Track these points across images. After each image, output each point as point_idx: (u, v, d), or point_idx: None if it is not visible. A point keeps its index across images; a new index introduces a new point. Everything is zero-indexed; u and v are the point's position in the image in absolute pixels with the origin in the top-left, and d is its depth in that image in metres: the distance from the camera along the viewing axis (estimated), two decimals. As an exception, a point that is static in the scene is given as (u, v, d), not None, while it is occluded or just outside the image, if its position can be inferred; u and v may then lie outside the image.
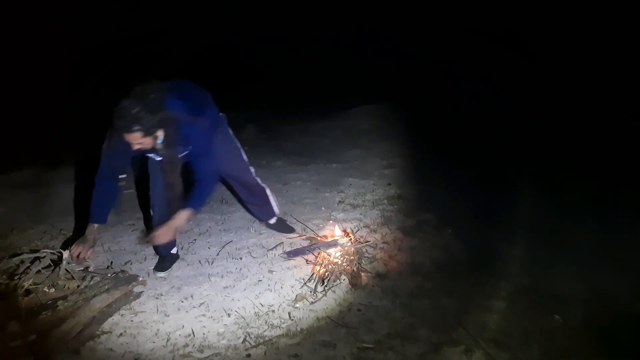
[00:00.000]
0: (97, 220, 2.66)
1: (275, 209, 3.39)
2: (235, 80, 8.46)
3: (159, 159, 2.65)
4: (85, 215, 2.70)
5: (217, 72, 8.66)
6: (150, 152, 2.62)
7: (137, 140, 2.37)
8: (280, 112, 7.01)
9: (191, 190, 2.62)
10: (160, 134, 2.45)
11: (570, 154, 4.99)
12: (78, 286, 2.50)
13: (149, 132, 2.37)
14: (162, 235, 2.58)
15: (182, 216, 2.58)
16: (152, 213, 2.86)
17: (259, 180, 3.23)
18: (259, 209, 3.43)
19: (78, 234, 3.49)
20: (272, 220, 3.43)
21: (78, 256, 2.58)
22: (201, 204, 2.69)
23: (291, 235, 3.40)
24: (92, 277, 2.59)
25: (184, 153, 2.60)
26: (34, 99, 7.13)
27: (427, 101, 6.99)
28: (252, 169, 3.18)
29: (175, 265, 3.06)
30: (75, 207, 3.93)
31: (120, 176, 2.64)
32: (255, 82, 8.55)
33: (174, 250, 3.11)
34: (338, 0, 9.78)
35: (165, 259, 3.04)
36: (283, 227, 3.46)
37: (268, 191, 3.31)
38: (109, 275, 2.65)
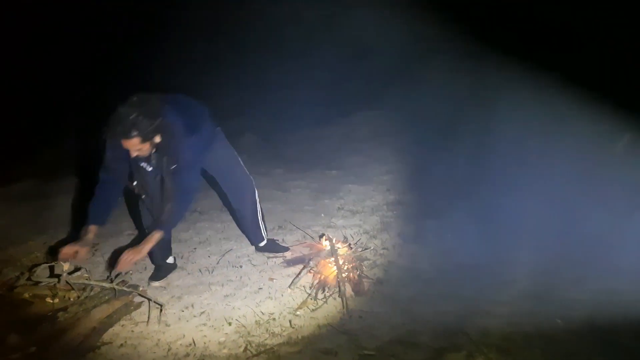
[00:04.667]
0: (97, 221, 2.54)
1: (263, 234, 3.25)
2: (234, 87, 8.49)
3: (150, 169, 2.62)
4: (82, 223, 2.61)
5: (217, 79, 8.70)
6: (145, 162, 2.59)
7: (136, 146, 2.35)
8: (279, 120, 7.04)
9: (165, 208, 2.55)
10: (157, 139, 2.43)
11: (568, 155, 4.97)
12: (78, 297, 2.50)
13: (146, 137, 2.35)
14: (129, 259, 2.46)
15: (152, 239, 2.52)
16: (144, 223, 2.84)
17: (256, 195, 3.12)
18: (248, 229, 3.30)
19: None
20: (262, 243, 3.28)
21: (73, 255, 2.45)
22: (171, 227, 2.64)
23: (287, 252, 3.29)
24: (92, 288, 2.59)
25: (173, 167, 2.53)
26: (32, 110, 7.14)
27: (425, 107, 7.01)
28: (253, 183, 3.09)
29: (175, 275, 3.06)
30: (75, 218, 3.92)
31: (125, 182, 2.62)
32: (254, 89, 8.59)
33: (170, 260, 3.10)
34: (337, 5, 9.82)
35: (161, 269, 3.03)
36: (274, 247, 3.30)
37: (260, 214, 3.18)
38: (109, 285, 2.65)
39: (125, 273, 3.03)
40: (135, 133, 2.30)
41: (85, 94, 7.64)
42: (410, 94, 7.47)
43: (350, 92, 8.18)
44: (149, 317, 2.58)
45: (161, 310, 2.62)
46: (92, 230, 2.54)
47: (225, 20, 9.93)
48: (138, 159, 2.54)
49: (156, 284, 2.95)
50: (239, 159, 3.04)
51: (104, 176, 2.57)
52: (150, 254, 3.06)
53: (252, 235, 3.29)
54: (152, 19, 9.70)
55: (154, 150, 2.49)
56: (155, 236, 2.52)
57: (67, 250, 2.46)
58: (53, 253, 2.55)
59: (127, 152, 2.40)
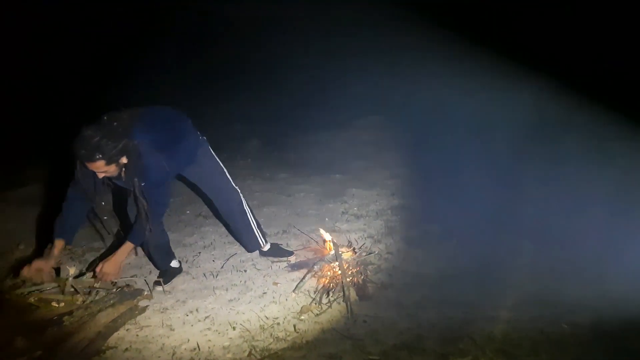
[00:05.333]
0: (66, 237, 2.59)
1: (260, 241, 3.21)
2: (238, 91, 8.52)
3: (122, 184, 2.62)
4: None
5: (221, 83, 8.75)
6: (117, 180, 2.58)
7: (101, 169, 2.35)
8: (283, 125, 7.05)
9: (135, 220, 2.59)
10: (124, 161, 2.41)
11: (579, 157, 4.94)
12: (83, 301, 2.51)
13: (111, 160, 2.34)
14: (107, 270, 2.54)
15: (124, 250, 2.57)
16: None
17: (244, 205, 3.09)
18: (241, 238, 3.30)
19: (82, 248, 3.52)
20: (265, 248, 3.27)
21: (36, 273, 2.51)
22: (142, 238, 2.63)
23: (291, 257, 3.28)
24: (97, 292, 2.60)
25: (143, 184, 2.53)
26: (37, 113, 7.17)
27: (430, 112, 7.00)
28: (240, 193, 3.07)
29: (179, 279, 3.06)
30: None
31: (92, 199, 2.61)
32: (258, 93, 8.62)
33: (174, 264, 3.11)
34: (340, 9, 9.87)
35: (166, 273, 3.04)
36: (278, 252, 3.29)
37: (253, 222, 3.15)
38: (114, 289, 2.65)
39: (130, 277, 3.05)
40: (99, 156, 2.29)
41: (90, 96, 7.68)
42: (414, 98, 7.48)
43: (354, 97, 8.19)
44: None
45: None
46: (57, 245, 2.57)
47: (228, 23, 9.99)
48: (110, 178, 2.54)
49: (160, 288, 2.95)
50: (224, 169, 3.01)
51: (73, 192, 2.57)
52: (152, 260, 3.09)
53: (248, 243, 3.27)
54: (155, 21, 9.77)
55: (122, 170, 2.48)
56: (127, 246, 2.58)
57: (29, 268, 2.51)
58: (16, 274, 2.57)
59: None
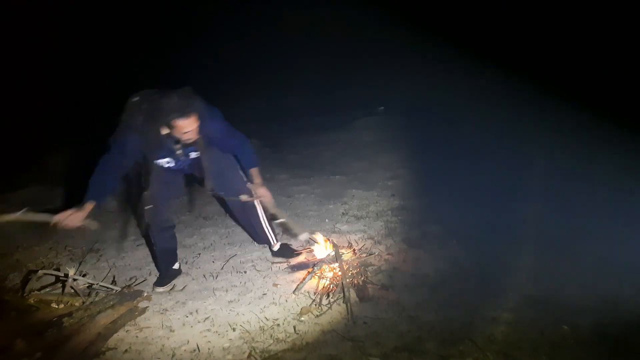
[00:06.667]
0: (97, 197, 2.50)
1: (270, 238, 3.23)
2: (238, 93, 8.53)
3: (167, 165, 2.72)
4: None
5: (222, 85, 8.75)
6: (171, 156, 2.69)
7: (192, 125, 2.45)
8: (283, 125, 7.06)
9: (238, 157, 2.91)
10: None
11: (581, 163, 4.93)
12: (83, 302, 2.51)
13: (199, 112, 2.45)
14: (264, 193, 2.87)
15: (256, 175, 2.87)
16: (146, 217, 2.82)
17: (256, 202, 3.08)
18: (251, 232, 3.39)
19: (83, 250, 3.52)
20: (275, 247, 3.28)
21: (65, 222, 2.48)
22: (257, 159, 2.93)
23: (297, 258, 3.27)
24: (96, 293, 2.60)
25: (222, 136, 2.75)
26: (38, 115, 7.18)
27: (430, 112, 7.01)
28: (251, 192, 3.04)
29: (179, 280, 3.06)
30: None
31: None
32: (258, 95, 8.63)
33: (175, 266, 3.12)
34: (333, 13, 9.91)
35: (166, 274, 3.05)
36: (287, 252, 3.29)
37: (263, 218, 3.15)
38: (114, 291, 2.65)
39: (130, 279, 3.05)
40: (190, 109, 2.42)
41: (91, 99, 7.69)
42: (415, 99, 7.48)
43: (354, 98, 8.20)
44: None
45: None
46: (88, 207, 2.49)
47: (229, 27, 10.01)
48: (157, 154, 2.65)
49: (161, 289, 2.96)
50: (237, 163, 2.98)
51: (115, 147, 2.53)
52: (156, 262, 3.10)
53: (257, 237, 3.36)
54: (156, 23, 9.79)
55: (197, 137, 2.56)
56: (255, 171, 2.89)
57: (63, 216, 2.47)
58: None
59: (138, 149, 2.53)
